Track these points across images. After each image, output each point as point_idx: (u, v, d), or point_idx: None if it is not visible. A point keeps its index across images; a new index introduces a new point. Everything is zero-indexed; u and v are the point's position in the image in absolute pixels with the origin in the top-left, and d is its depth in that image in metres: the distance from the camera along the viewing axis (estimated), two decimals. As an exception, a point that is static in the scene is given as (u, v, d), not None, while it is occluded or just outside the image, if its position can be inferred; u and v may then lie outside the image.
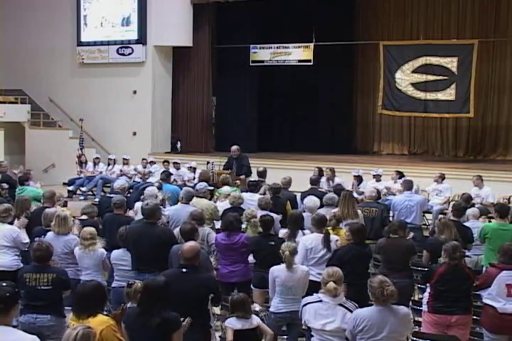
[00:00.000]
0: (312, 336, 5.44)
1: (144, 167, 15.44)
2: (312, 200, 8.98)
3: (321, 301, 5.33)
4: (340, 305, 5.30)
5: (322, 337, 5.32)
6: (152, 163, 15.54)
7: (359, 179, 12.47)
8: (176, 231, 7.42)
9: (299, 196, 10.41)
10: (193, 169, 14.59)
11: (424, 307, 6.39)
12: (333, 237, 7.41)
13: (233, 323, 5.74)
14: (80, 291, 5.00)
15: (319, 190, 11.16)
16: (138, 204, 9.24)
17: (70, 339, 4.14)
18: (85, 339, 4.16)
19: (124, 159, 15.80)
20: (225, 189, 10.64)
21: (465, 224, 8.80)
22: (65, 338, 4.19)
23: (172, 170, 14.54)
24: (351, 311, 5.26)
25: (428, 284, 6.47)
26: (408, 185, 10.61)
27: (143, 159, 15.75)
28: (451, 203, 10.41)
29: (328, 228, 7.85)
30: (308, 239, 7.30)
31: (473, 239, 8.40)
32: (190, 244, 5.83)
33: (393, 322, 5.09)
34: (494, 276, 6.38)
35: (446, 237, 7.44)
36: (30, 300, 6.02)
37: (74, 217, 8.09)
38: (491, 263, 6.78)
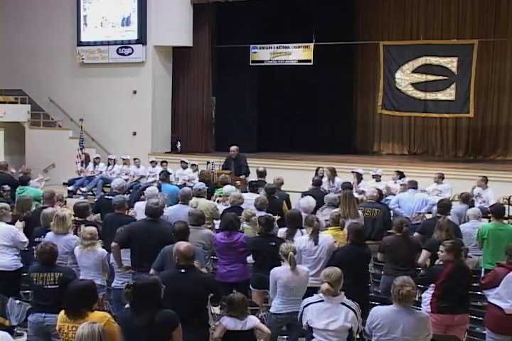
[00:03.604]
0: (313, 337, 5.39)
1: (138, 167, 15.51)
2: (307, 201, 8.95)
3: (322, 301, 5.31)
4: (343, 303, 5.29)
5: (324, 338, 5.29)
6: (153, 162, 15.48)
7: (359, 177, 12.44)
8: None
9: (299, 196, 10.38)
10: (196, 168, 14.58)
11: (426, 308, 6.29)
12: (328, 236, 7.36)
13: (226, 322, 5.74)
14: (71, 290, 4.99)
15: (321, 190, 11.16)
16: (138, 204, 9.23)
17: (95, 337, 4.16)
18: (105, 334, 4.24)
19: (123, 159, 15.80)
20: (227, 188, 10.60)
21: (465, 224, 8.83)
22: (87, 337, 4.18)
23: (179, 170, 14.55)
24: (353, 310, 5.25)
25: (433, 284, 6.38)
26: (411, 185, 11.00)
27: (135, 159, 15.75)
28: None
29: (329, 228, 7.84)
30: (301, 241, 7.23)
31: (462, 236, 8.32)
32: (186, 244, 5.78)
33: (407, 325, 5.03)
34: (502, 276, 6.24)
35: (436, 236, 7.44)
36: (38, 299, 6.07)
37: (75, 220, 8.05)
38: (498, 262, 6.66)
